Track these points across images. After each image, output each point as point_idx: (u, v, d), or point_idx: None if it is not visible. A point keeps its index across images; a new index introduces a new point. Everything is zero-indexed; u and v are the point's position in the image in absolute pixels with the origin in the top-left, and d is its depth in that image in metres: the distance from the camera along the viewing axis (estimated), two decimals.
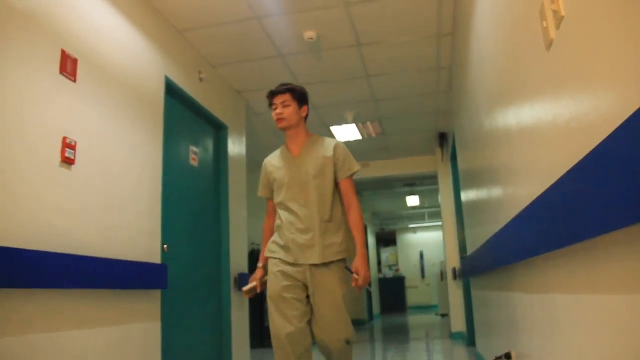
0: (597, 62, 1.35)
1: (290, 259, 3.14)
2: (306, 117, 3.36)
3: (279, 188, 3.27)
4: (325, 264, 3.12)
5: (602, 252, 1.37)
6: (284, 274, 3.12)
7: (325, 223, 3.15)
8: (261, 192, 3.45)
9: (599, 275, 1.42)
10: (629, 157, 1.04)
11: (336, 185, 3.26)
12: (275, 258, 3.19)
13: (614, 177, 1.12)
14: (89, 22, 3.45)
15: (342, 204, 3.28)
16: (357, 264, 3.10)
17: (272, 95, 3.26)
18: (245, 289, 3.32)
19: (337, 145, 3.29)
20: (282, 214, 3.24)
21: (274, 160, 3.37)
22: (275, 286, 3.11)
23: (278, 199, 3.27)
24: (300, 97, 3.29)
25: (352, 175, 3.28)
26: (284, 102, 3.22)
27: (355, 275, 3.08)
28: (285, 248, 3.17)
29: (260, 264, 3.39)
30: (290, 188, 3.21)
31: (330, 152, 3.24)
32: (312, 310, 3.14)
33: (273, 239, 3.27)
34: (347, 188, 3.26)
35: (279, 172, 3.29)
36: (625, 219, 1.07)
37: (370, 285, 4.71)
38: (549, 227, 1.72)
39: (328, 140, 3.35)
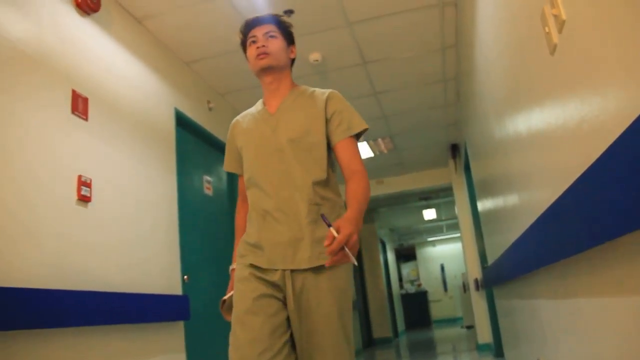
0: (602, 62, 1.35)
1: (263, 263, 2.09)
2: (293, 63, 2.41)
3: (246, 158, 2.27)
4: (317, 269, 2.04)
5: (622, 253, 1.36)
6: (255, 285, 2.07)
7: (314, 206, 2.09)
8: (227, 164, 2.45)
9: (622, 276, 1.41)
10: None
11: (331, 151, 2.25)
12: (241, 263, 2.16)
13: (630, 175, 1.12)
14: (98, 61, 3.50)
15: (335, 175, 2.28)
16: (342, 219, 1.85)
17: (251, 25, 2.31)
18: (224, 307, 2.29)
19: (332, 95, 2.27)
20: (252, 196, 2.22)
21: (243, 120, 2.38)
22: (241, 303, 2.06)
23: (246, 174, 2.26)
24: (289, 32, 2.37)
25: (356, 136, 2.24)
26: (268, 33, 2.27)
27: (332, 231, 1.78)
28: (256, 247, 2.14)
29: (233, 266, 2.34)
30: (258, 158, 2.20)
31: (320, 106, 2.23)
32: (294, 344, 2.07)
33: (243, 236, 2.24)
34: (346, 152, 2.18)
35: (245, 135, 2.30)
36: None
37: (355, 262, 1.79)
38: (567, 231, 1.71)
39: (320, 90, 2.32)
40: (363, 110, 6.41)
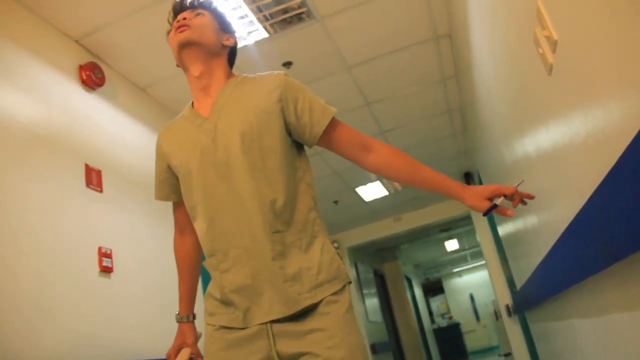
0: (599, 76, 1.37)
1: (237, 322, 1.63)
2: (232, 55, 1.90)
3: (184, 182, 1.74)
4: (301, 315, 1.59)
5: None
6: (233, 353, 1.62)
7: (278, 234, 1.60)
8: (158, 192, 1.97)
9: None
10: None
11: (296, 153, 1.75)
12: (211, 325, 1.70)
13: None
14: (107, 133, 3.57)
15: (309, 190, 1.74)
16: (473, 198, 1.65)
17: (177, 11, 1.84)
18: None
19: (286, 82, 1.73)
20: (199, 231, 1.72)
21: (171, 132, 1.86)
22: None
23: (188, 202, 1.75)
24: (223, 19, 1.88)
25: (333, 119, 1.73)
26: (195, 13, 1.80)
27: (498, 200, 1.62)
28: (224, 303, 1.67)
29: (180, 316, 1.96)
30: (198, 179, 1.68)
31: (271, 97, 1.69)
32: None
33: (208, 288, 1.75)
34: (343, 133, 1.75)
35: (177, 151, 1.77)
36: None
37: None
38: (589, 248, 1.70)
39: (265, 76, 1.78)
40: None
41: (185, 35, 1.73)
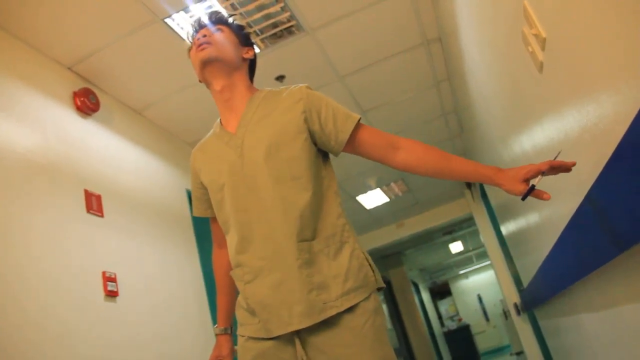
0: (589, 71, 1.38)
1: (261, 332, 1.66)
2: (252, 67, 1.96)
3: (215, 197, 1.80)
4: (328, 322, 1.59)
5: None
6: None
7: (305, 243, 1.63)
8: (196, 209, 2.00)
9: None
10: None
11: (322, 162, 1.78)
12: (242, 335, 1.73)
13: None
14: (105, 157, 3.58)
15: (336, 197, 1.75)
16: (508, 182, 1.56)
17: (196, 29, 1.87)
18: None
19: (308, 94, 1.79)
20: (229, 244, 1.77)
21: (204, 150, 1.92)
22: None
23: (220, 217, 1.81)
24: (242, 33, 1.93)
25: (358, 123, 1.75)
26: (214, 29, 1.85)
27: (535, 180, 1.52)
28: (249, 312, 1.71)
29: (218, 328, 1.99)
30: (228, 194, 1.73)
31: (295, 106, 1.75)
32: None
33: (238, 298, 1.79)
34: (370, 136, 1.76)
35: (209, 168, 1.83)
36: None
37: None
38: (591, 242, 1.71)
39: (285, 90, 1.84)
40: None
41: (207, 52, 1.77)
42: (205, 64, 1.78)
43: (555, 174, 1.51)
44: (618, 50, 1.16)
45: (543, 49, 1.66)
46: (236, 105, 1.81)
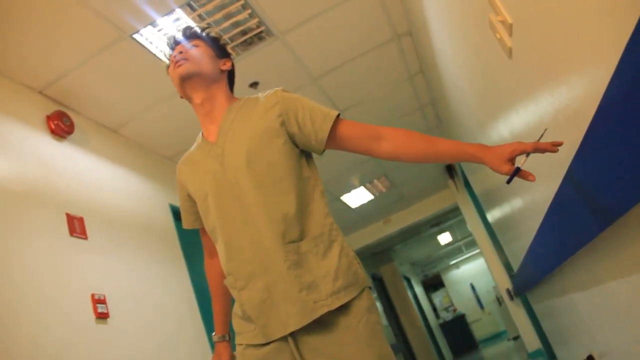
0: (559, 55, 1.39)
1: (258, 338, 1.65)
2: (231, 78, 1.97)
3: (201, 207, 1.81)
4: (323, 322, 1.60)
5: (633, 229, 1.37)
6: None
7: (292, 244, 1.63)
8: (185, 221, 1.98)
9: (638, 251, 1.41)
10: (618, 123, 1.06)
11: (305, 163, 1.78)
12: (240, 344, 1.73)
13: (612, 154, 1.13)
14: (84, 179, 3.54)
15: (322, 197, 1.76)
16: (494, 159, 1.51)
17: (172, 46, 1.90)
18: None
19: (280, 95, 1.80)
20: (220, 252, 1.78)
21: (187, 161, 1.91)
22: None
23: (207, 226, 1.81)
24: (218, 45, 1.95)
25: (336, 119, 1.75)
26: (190, 44, 1.87)
27: (521, 160, 1.50)
28: (245, 319, 1.70)
29: (216, 336, 1.97)
30: (213, 203, 1.73)
31: (271, 110, 1.76)
32: None
33: (234, 307, 1.79)
34: (352, 129, 1.76)
35: (193, 179, 1.84)
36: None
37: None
38: (574, 222, 1.72)
39: (262, 96, 1.84)
40: (351, 156, 6.48)
41: (184, 68, 1.79)
42: (184, 79, 1.80)
43: (542, 152, 1.47)
44: (583, 31, 1.17)
45: (510, 34, 1.67)
46: (217, 116, 1.83)
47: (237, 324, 1.75)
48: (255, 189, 1.66)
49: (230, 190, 1.69)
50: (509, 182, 1.47)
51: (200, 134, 1.89)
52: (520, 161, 1.47)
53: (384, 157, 1.72)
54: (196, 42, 1.87)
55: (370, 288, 1.71)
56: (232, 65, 1.95)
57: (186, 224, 1.98)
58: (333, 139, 1.74)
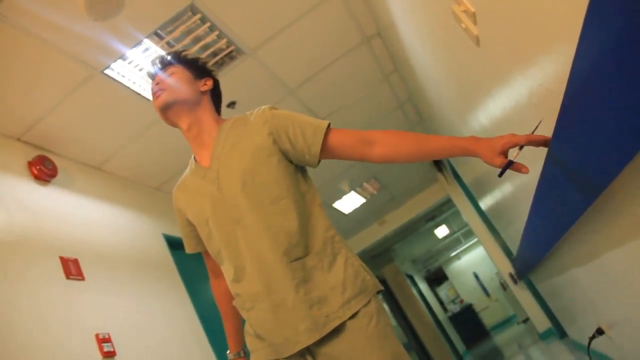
0: (525, 37, 1.40)
1: (272, 354, 1.69)
2: (215, 96, 1.94)
3: (203, 232, 1.80)
4: (333, 330, 1.61)
5: (619, 200, 1.37)
6: None
7: (298, 262, 1.64)
8: (187, 246, 1.97)
9: (627, 223, 1.41)
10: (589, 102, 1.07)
11: (301, 177, 1.78)
12: None
13: (590, 125, 1.14)
14: (74, 220, 3.52)
15: (321, 210, 1.76)
16: (486, 152, 1.48)
17: (152, 77, 1.89)
18: None
19: (268, 113, 1.76)
20: (226, 275, 1.78)
21: (183, 188, 1.89)
22: None
23: (211, 250, 1.81)
24: (196, 65, 1.91)
25: (327, 130, 1.73)
26: (167, 73, 1.86)
27: (514, 153, 1.46)
28: (257, 337, 1.73)
29: (231, 354, 1.97)
30: (214, 227, 1.74)
31: (261, 130, 1.73)
32: None
33: (245, 326, 1.82)
34: (340, 143, 1.73)
35: (191, 205, 1.83)
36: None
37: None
38: (562, 199, 1.73)
39: (251, 115, 1.81)
40: (338, 162, 6.48)
41: (161, 99, 1.78)
42: (164, 110, 1.79)
43: (535, 146, 1.47)
44: (544, 10, 1.18)
45: (475, 23, 1.68)
46: (206, 139, 1.81)
47: (250, 342, 1.76)
48: (253, 210, 1.66)
49: (230, 213, 1.69)
50: (500, 175, 1.45)
51: (193, 158, 1.87)
52: (513, 154, 1.45)
53: (378, 161, 1.71)
54: (172, 69, 1.85)
55: (378, 292, 1.71)
56: (215, 82, 1.92)
57: (189, 249, 1.97)
58: (326, 150, 1.72)
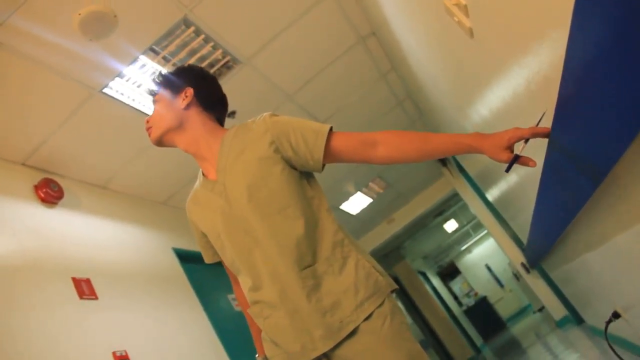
0: (519, 25, 1.40)
1: None
2: (204, 101, 1.85)
3: (216, 244, 1.83)
4: (349, 336, 1.61)
5: (622, 185, 1.37)
6: None
7: (308, 269, 1.63)
8: (206, 256, 1.99)
9: (631, 205, 1.41)
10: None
11: (307, 183, 1.76)
12: None
13: (588, 110, 1.14)
14: (83, 240, 3.54)
15: (329, 215, 1.74)
16: (491, 148, 1.46)
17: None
18: None
19: (269, 121, 1.74)
20: (242, 283, 1.80)
21: (195, 201, 1.87)
22: None
23: (226, 260, 1.83)
24: (171, 81, 1.86)
25: (329, 133, 1.70)
26: (154, 104, 1.88)
27: (519, 147, 1.44)
28: (274, 344, 1.73)
29: (259, 357, 1.90)
30: (226, 239, 1.74)
31: (263, 139, 1.71)
32: None
33: (262, 333, 1.82)
34: (343, 147, 1.71)
35: (203, 218, 1.83)
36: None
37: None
38: (570, 183, 1.72)
39: (252, 123, 1.78)
40: (340, 165, 6.49)
41: (152, 138, 1.82)
42: (158, 145, 1.84)
43: (542, 137, 1.45)
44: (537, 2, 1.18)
45: (467, 15, 1.68)
46: (205, 154, 1.80)
47: (267, 348, 1.76)
48: (261, 220, 1.65)
49: (240, 225, 1.69)
50: (507, 170, 1.43)
51: (200, 171, 1.86)
52: (518, 148, 1.42)
53: (382, 162, 1.69)
54: (157, 97, 1.85)
55: (392, 292, 1.70)
56: (197, 89, 1.84)
57: (207, 259, 1.98)
58: (329, 155, 1.70)
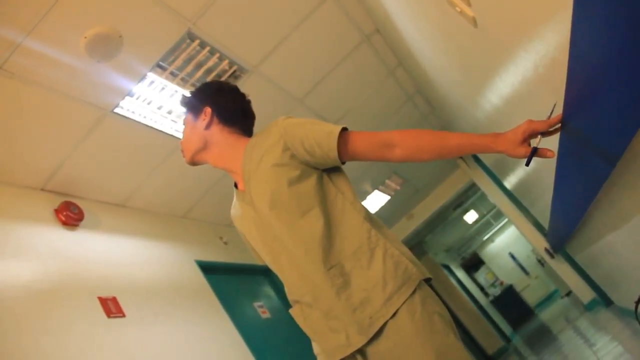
0: (523, 10, 1.39)
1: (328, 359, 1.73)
2: (222, 115, 1.87)
3: (254, 251, 1.93)
4: (380, 330, 1.60)
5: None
6: None
7: (335, 268, 1.65)
8: (258, 259, 1.97)
9: None
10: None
11: (329, 180, 1.76)
12: None
13: (596, 93, 1.14)
14: (107, 260, 3.57)
15: (353, 207, 1.73)
16: (509, 147, 1.47)
17: None
18: None
19: (282, 125, 1.75)
20: (284, 284, 1.85)
21: (235, 213, 1.94)
22: None
23: (269, 265, 1.88)
24: (191, 103, 1.92)
25: (344, 134, 1.71)
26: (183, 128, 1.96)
27: (536, 140, 1.43)
28: (316, 343, 1.82)
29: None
30: (260, 245, 1.82)
31: (277, 147, 1.73)
32: None
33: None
34: (359, 147, 1.71)
35: (244, 227, 1.89)
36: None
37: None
38: (587, 163, 1.71)
39: (267, 130, 1.80)
40: (354, 164, 6.49)
41: (186, 160, 1.92)
42: (192, 164, 1.93)
43: (554, 131, 1.45)
44: None
45: (469, 4, 1.68)
46: (233, 166, 1.84)
47: (314, 347, 1.81)
48: (286, 226, 1.68)
49: (269, 232, 1.74)
50: (527, 164, 1.44)
51: (234, 183, 1.90)
52: (535, 141, 1.42)
53: (399, 161, 1.71)
54: (184, 120, 1.93)
55: (426, 280, 1.67)
56: (215, 106, 1.87)
57: (260, 261, 1.99)
58: (346, 153, 1.71)
